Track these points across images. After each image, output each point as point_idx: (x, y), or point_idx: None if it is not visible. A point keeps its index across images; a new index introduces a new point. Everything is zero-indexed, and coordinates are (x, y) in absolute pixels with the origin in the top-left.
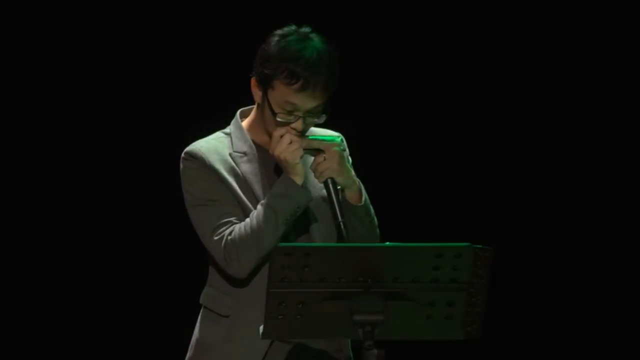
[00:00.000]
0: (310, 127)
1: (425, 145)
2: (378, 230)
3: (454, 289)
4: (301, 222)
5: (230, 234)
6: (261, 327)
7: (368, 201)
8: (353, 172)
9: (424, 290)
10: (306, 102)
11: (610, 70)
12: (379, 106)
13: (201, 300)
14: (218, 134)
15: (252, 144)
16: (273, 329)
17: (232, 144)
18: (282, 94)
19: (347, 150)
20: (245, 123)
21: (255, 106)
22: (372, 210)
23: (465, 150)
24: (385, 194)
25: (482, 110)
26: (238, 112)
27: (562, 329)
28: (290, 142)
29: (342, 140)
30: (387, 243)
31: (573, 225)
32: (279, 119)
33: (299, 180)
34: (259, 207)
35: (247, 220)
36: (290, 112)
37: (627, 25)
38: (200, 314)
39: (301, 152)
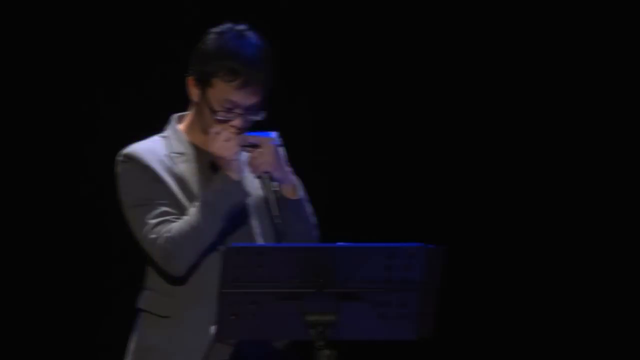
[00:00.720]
0: (250, 124)
1: (375, 144)
2: (317, 231)
3: (406, 289)
4: (241, 219)
5: (168, 231)
6: (212, 328)
7: (305, 197)
8: (289, 167)
9: (377, 290)
10: (246, 99)
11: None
12: (317, 105)
13: (139, 304)
14: (154, 137)
15: (189, 144)
16: (226, 329)
17: (169, 146)
18: (222, 91)
19: (283, 147)
20: (182, 126)
21: (191, 109)
22: (310, 208)
23: (417, 149)
24: (338, 193)
25: (433, 106)
26: (173, 116)
27: (514, 328)
28: (227, 139)
29: (277, 136)
30: (340, 243)
31: (526, 225)
32: (218, 117)
33: (236, 177)
34: (197, 203)
35: (186, 217)
36: (229, 110)
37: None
38: (138, 318)
39: (238, 148)
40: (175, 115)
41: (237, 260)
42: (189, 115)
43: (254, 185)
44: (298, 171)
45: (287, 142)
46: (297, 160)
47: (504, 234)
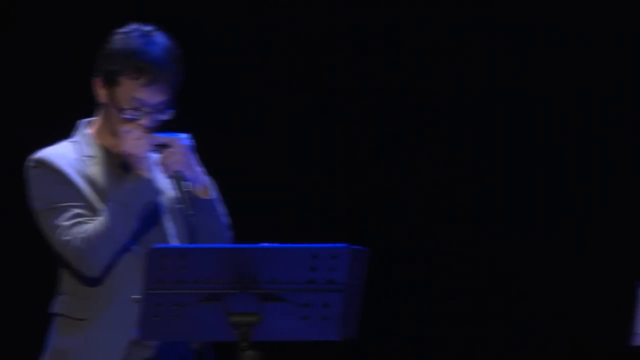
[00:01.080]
0: (157, 123)
1: (298, 144)
2: (230, 232)
3: (330, 289)
4: (155, 220)
5: (82, 232)
6: (134, 329)
7: (217, 197)
8: (200, 168)
9: (300, 291)
10: (152, 97)
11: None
12: (231, 103)
13: (54, 309)
14: (63, 143)
15: (99, 147)
16: (149, 330)
17: (79, 149)
18: (128, 89)
19: (195, 149)
20: (91, 130)
21: (99, 113)
22: (223, 209)
23: (339, 151)
24: (260, 194)
25: (354, 107)
26: (81, 122)
27: (437, 329)
28: (138, 138)
29: (188, 138)
30: (264, 244)
31: (448, 227)
32: (126, 116)
33: (147, 174)
34: (109, 203)
35: (99, 218)
36: (137, 108)
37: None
38: (53, 322)
39: (148, 146)
40: (84, 121)
41: (161, 262)
42: (97, 119)
43: (166, 187)
44: (218, 172)
45: (207, 144)
46: (220, 161)
47: (426, 235)
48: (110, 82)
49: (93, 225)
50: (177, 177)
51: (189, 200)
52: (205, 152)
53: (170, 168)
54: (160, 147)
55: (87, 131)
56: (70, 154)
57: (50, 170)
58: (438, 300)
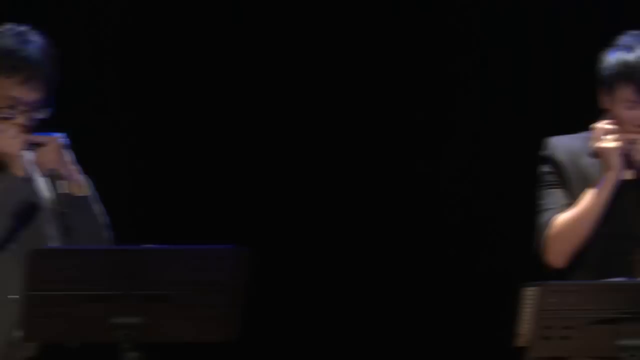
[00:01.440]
0: (34, 122)
1: (181, 146)
2: (110, 232)
3: (214, 290)
4: (32, 220)
5: None
6: (15, 329)
7: (94, 196)
8: (75, 166)
9: (185, 292)
10: (28, 95)
11: None
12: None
13: None
14: None
15: None
16: (32, 331)
17: None
18: (3, 88)
19: (70, 147)
20: None
21: None
22: (101, 208)
23: (222, 151)
24: (146, 195)
25: (241, 106)
26: None
27: (322, 328)
28: (13, 137)
29: (64, 137)
30: (149, 245)
31: (331, 226)
32: (1, 115)
33: (22, 173)
34: None
35: None
36: (12, 107)
37: None
38: None
39: (22, 144)
40: None
41: (45, 262)
42: None
43: (43, 186)
44: (96, 171)
45: (95, 145)
46: (98, 160)
47: (310, 235)
48: None
49: None
50: (53, 176)
51: (64, 199)
52: (81, 151)
53: (46, 167)
54: (36, 146)
55: None
56: None
57: None
58: (322, 299)
